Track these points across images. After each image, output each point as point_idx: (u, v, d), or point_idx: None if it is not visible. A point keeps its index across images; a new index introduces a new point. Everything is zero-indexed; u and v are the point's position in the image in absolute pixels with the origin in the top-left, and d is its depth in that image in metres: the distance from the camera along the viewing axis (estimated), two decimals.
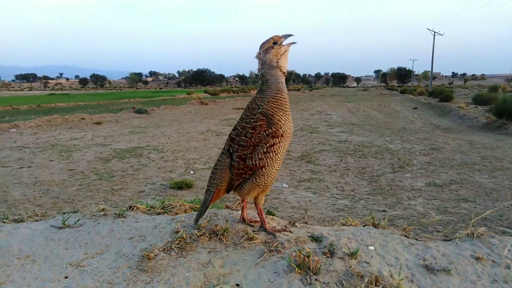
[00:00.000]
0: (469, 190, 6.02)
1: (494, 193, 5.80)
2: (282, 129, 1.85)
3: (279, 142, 1.85)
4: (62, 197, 5.99)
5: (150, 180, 6.99)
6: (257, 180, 1.88)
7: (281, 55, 1.93)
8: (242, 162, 1.85)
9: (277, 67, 1.92)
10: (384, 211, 5.21)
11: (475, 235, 1.77)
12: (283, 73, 1.95)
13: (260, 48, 1.95)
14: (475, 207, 5.23)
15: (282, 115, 1.87)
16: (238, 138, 1.87)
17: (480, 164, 7.74)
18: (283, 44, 1.94)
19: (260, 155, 1.83)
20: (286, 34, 1.95)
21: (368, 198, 5.80)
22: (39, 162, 8.41)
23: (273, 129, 1.83)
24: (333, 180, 6.87)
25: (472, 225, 1.88)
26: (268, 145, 1.82)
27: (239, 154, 1.85)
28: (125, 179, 7.02)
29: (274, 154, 1.85)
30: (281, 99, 1.89)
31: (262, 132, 1.82)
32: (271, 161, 1.86)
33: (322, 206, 5.50)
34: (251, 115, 1.88)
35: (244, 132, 1.85)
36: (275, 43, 1.92)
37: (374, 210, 5.25)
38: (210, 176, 2.00)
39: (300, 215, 5.14)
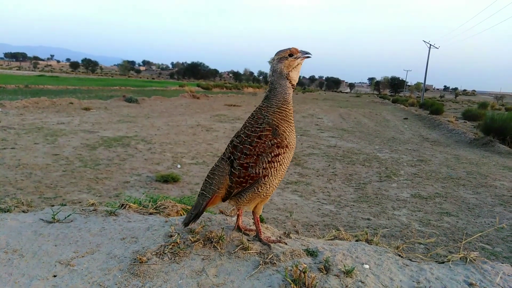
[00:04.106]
0: (452, 204, 6.11)
1: (477, 209, 5.91)
2: (287, 140, 1.86)
3: (284, 153, 1.85)
4: (44, 182, 5.87)
5: (136, 171, 6.91)
6: (259, 190, 1.86)
7: (293, 68, 1.92)
8: (243, 170, 1.83)
9: (287, 79, 1.92)
10: (368, 219, 5.26)
11: (468, 259, 1.79)
12: (292, 85, 1.94)
13: (275, 55, 1.94)
14: (457, 222, 5.32)
15: (287, 127, 1.87)
16: (241, 146, 1.85)
17: (465, 179, 7.87)
18: (298, 57, 1.92)
19: (264, 164, 1.81)
20: (304, 51, 1.93)
21: (353, 205, 5.85)
22: (23, 144, 8.24)
23: (278, 140, 1.83)
24: (320, 184, 6.91)
25: (464, 248, 1.90)
26: (273, 154, 1.82)
27: (241, 162, 1.83)
28: (110, 168, 6.92)
29: (278, 164, 1.84)
30: (287, 110, 1.89)
31: (267, 142, 1.82)
32: (275, 171, 1.85)
33: (307, 210, 5.52)
34: (257, 124, 1.87)
35: (249, 140, 1.84)
36: (290, 55, 1.91)
37: (359, 217, 5.29)
38: (206, 180, 1.97)
39: (285, 217, 5.15)
